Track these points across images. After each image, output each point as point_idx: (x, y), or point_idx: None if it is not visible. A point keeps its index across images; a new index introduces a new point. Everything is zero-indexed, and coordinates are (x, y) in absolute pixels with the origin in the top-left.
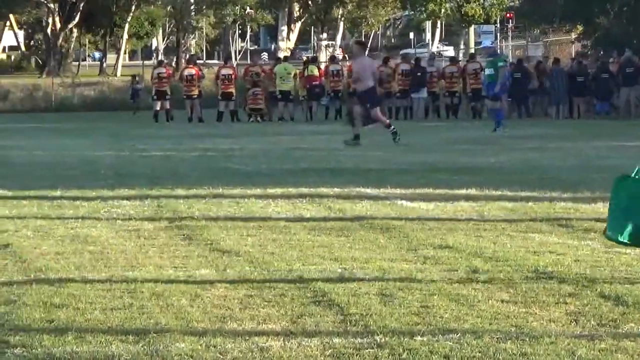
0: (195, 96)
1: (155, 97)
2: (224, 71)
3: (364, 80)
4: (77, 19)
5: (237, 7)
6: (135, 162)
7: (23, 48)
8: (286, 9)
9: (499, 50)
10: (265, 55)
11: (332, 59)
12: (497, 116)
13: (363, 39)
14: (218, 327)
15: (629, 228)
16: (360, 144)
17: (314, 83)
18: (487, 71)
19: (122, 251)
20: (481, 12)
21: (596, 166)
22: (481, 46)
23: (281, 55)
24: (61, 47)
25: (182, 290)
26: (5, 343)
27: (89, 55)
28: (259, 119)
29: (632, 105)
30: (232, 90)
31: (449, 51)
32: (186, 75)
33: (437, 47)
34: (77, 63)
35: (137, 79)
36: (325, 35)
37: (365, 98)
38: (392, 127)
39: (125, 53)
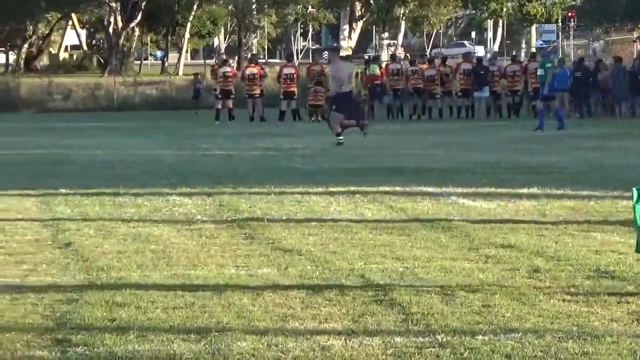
0: (257, 95)
1: (219, 95)
2: (286, 70)
3: (337, 84)
4: (138, 17)
5: (299, 6)
6: (197, 161)
7: (85, 47)
8: (348, 8)
9: (560, 50)
10: (327, 54)
11: (393, 58)
12: (556, 115)
13: (424, 38)
14: (279, 326)
15: None
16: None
17: (375, 82)
18: (538, 72)
19: (183, 250)
20: (543, 11)
21: None
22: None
23: (343, 54)
24: (123, 46)
25: (243, 289)
26: (67, 342)
27: (150, 54)
28: (319, 118)
29: None
30: (294, 89)
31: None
32: (248, 75)
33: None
34: (139, 62)
35: (199, 77)
36: (386, 34)
37: (334, 102)
38: (341, 137)
39: (187, 52)
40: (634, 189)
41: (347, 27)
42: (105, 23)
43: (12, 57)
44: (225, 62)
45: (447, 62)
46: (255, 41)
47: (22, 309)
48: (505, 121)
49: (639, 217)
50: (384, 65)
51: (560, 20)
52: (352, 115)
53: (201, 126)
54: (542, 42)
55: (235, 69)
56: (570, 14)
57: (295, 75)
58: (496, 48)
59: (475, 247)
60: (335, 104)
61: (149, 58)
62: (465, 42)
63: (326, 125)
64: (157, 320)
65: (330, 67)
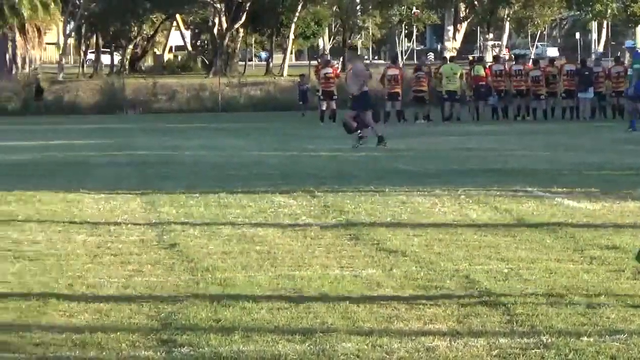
0: None
1: (321, 97)
2: (391, 71)
3: (353, 85)
4: (243, 18)
5: (403, 7)
6: (302, 162)
7: (190, 48)
8: (452, 9)
9: None
10: (431, 55)
11: (496, 59)
12: (633, 116)
13: (529, 39)
14: (384, 327)
15: None
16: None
17: (480, 83)
18: (628, 72)
19: (288, 251)
20: None
21: None
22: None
23: (447, 55)
24: (227, 47)
25: (348, 290)
26: (172, 342)
27: (255, 55)
28: (423, 120)
29: None
30: (399, 90)
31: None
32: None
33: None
34: (244, 63)
35: (304, 79)
36: (491, 35)
37: (356, 103)
38: (361, 135)
39: (291, 53)
40: None
41: (451, 28)
42: (210, 24)
43: (117, 58)
44: (327, 63)
45: (554, 63)
46: (359, 42)
47: (128, 310)
48: (610, 122)
49: None
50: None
51: None
52: (358, 119)
53: (306, 127)
54: (632, 43)
55: (339, 70)
56: None
57: (399, 77)
58: (601, 49)
59: (580, 249)
60: (356, 103)
61: (253, 59)
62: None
63: (429, 126)
64: (262, 320)
65: (352, 68)
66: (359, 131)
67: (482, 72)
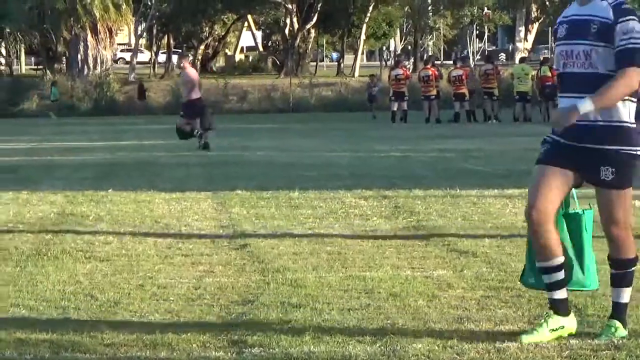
0: (433, 97)
1: (392, 97)
2: (455, 72)
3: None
4: (314, 19)
5: (474, 8)
6: (373, 162)
7: (261, 49)
8: (524, 10)
9: None
10: (503, 55)
11: None
12: None
13: None
14: (455, 327)
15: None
16: None
17: (546, 83)
18: None
19: (359, 251)
20: None
21: None
22: None
23: (519, 56)
24: (299, 48)
25: (419, 290)
26: (243, 343)
27: (326, 56)
28: (493, 120)
29: None
30: (464, 90)
31: None
32: (423, 76)
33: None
34: (315, 63)
35: (374, 79)
36: None
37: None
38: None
39: (362, 54)
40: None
41: (522, 28)
42: (281, 24)
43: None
44: (397, 64)
45: None
46: (430, 43)
47: (198, 310)
48: None
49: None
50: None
51: None
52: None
53: (377, 128)
54: None
55: (410, 70)
56: None
57: (463, 77)
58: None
59: None
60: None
61: (324, 60)
62: None
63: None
64: (333, 321)
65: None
66: (197, 131)
67: (549, 73)
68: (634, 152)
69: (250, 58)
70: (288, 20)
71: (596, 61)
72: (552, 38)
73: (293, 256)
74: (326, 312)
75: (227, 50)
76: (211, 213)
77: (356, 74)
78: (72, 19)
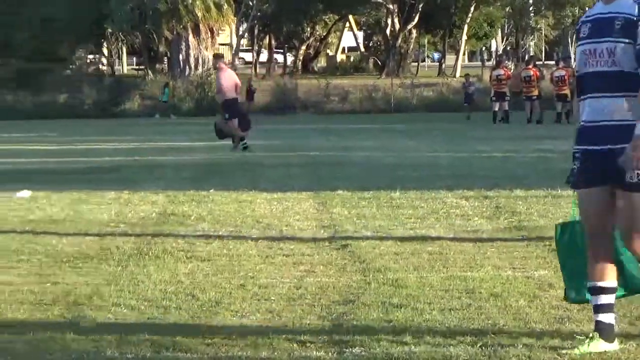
0: (535, 97)
1: (494, 98)
2: (557, 72)
3: (224, 92)
4: (416, 19)
5: (575, 8)
6: (474, 163)
7: (362, 49)
8: None
9: None
10: None
11: None
12: None
13: None
14: (556, 328)
15: None
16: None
17: None
18: None
19: (460, 251)
20: None
21: None
22: None
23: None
24: (400, 48)
25: (520, 291)
26: (344, 343)
27: (427, 56)
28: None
29: None
30: (567, 92)
31: None
32: (524, 77)
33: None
34: (416, 64)
35: (470, 79)
36: None
37: (225, 109)
38: (244, 141)
39: (464, 54)
40: (556, 225)
41: None
42: (383, 25)
43: (290, 58)
44: (499, 64)
45: None
46: (532, 43)
47: (299, 310)
48: None
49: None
50: None
51: None
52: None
53: (477, 128)
54: None
55: (511, 71)
56: None
57: (566, 77)
58: None
59: None
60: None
61: (426, 60)
62: None
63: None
64: (433, 321)
65: (217, 74)
66: (244, 140)
67: None
68: None
69: (352, 58)
70: (389, 21)
71: (621, 58)
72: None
73: (394, 256)
74: (427, 312)
75: (328, 51)
76: (312, 213)
77: (457, 74)
78: (173, 19)
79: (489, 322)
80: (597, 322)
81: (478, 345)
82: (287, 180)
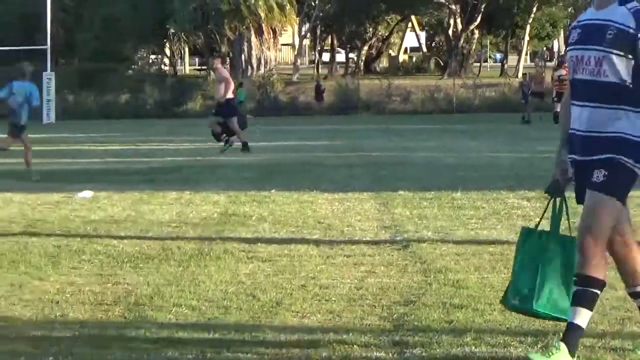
0: None
1: (555, 98)
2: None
3: (220, 91)
4: (478, 20)
5: None
6: (536, 163)
7: (424, 49)
8: None
9: None
10: None
11: None
12: None
13: None
14: (617, 329)
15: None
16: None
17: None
18: None
19: None
20: None
21: None
22: None
23: None
24: (462, 49)
25: None
26: (404, 343)
27: (490, 57)
28: None
29: None
30: None
31: None
32: None
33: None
34: (478, 64)
35: (527, 79)
36: None
37: (221, 109)
38: (246, 142)
39: (526, 54)
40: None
41: None
42: (445, 25)
43: (352, 58)
44: (561, 65)
45: None
46: None
47: (360, 311)
48: None
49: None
50: None
51: None
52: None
53: (538, 129)
54: None
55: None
56: None
57: None
58: None
59: None
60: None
61: (488, 60)
62: None
63: None
64: (494, 322)
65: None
66: (224, 135)
67: None
68: (633, 167)
69: (414, 59)
70: (452, 21)
71: (608, 69)
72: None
73: (455, 257)
74: (488, 313)
75: (390, 51)
76: (374, 214)
77: (519, 74)
78: (236, 19)
79: (550, 323)
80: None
81: (538, 346)
82: (348, 181)
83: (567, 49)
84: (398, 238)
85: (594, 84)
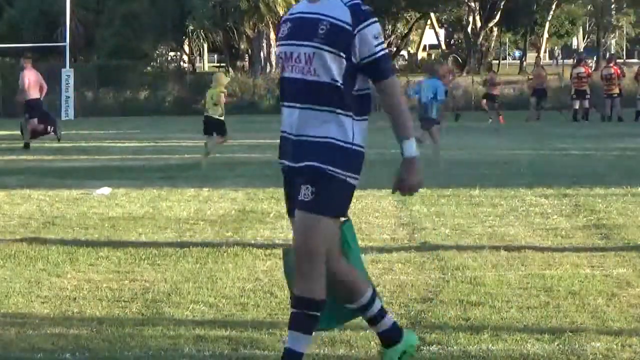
0: (616, 95)
1: (574, 96)
2: (605, 71)
3: (26, 91)
4: (497, 17)
5: None
6: (554, 161)
7: (443, 47)
8: None
9: None
10: None
11: None
12: None
13: None
14: (634, 327)
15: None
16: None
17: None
18: None
19: (538, 250)
20: None
21: None
22: None
23: None
24: (481, 46)
25: (598, 289)
26: (421, 340)
27: (508, 54)
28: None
29: None
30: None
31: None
32: (605, 75)
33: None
34: (497, 61)
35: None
36: None
37: (27, 108)
38: (29, 143)
39: (545, 52)
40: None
41: None
42: (464, 23)
43: None
44: (579, 62)
45: None
46: (613, 41)
47: None
48: None
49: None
50: None
51: None
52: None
53: (558, 126)
54: None
55: (592, 69)
56: None
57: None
58: None
59: None
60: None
61: (507, 58)
62: None
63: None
64: (511, 319)
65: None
66: (50, 128)
67: None
68: (344, 177)
69: (433, 56)
70: (471, 19)
71: (319, 68)
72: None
73: (472, 254)
74: (505, 310)
75: (409, 48)
76: (391, 211)
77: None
78: (255, 16)
79: (567, 320)
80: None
81: (556, 343)
82: (366, 178)
83: (277, 44)
84: (416, 235)
85: (304, 83)
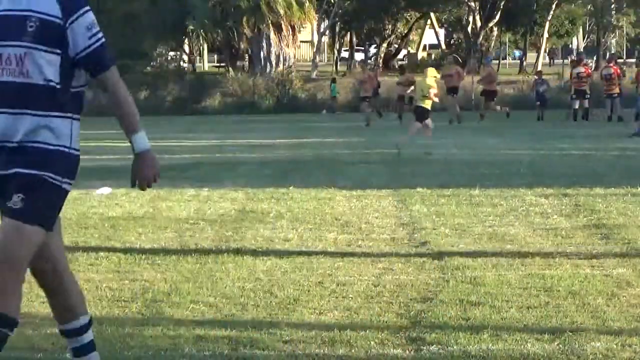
0: (616, 95)
1: (574, 95)
2: (605, 70)
3: None
4: (497, 17)
5: None
6: (554, 161)
7: (443, 46)
8: None
9: None
10: None
11: None
12: None
13: None
14: (634, 327)
15: None
16: None
17: None
18: None
19: (539, 249)
20: None
21: None
22: None
23: None
24: (481, 46)
25: (598, 289)
26: (421, 340)
27: (508, 54)
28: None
29: None
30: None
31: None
32: (605, 75)
33: None
34: (497, 61)
35: (541, 77)
36: None
37: None
38: None
39: (545, 52)
40: None
41: None
42: (464, 22)
43: (371, 55)
44: (579, 62)
45: None
46: (613, 41)
47: (377, 308)
48: None
49: None
50: None
51: None
52: None
53: (558, 126)
54: None
55: (592, 69)
56: None
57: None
58: None
59: None
60: None
61: (507, 57)
62: None
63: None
64: (511, 319)
65: None
66: None
67: None
68: (60, 183)
69: (433, 56)
70: (471, 18)
71: (31, 68)
72: None
73: (472, 254)
74: (505, 310)
75: (409, 48)
76: (391, 211)
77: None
78: (255, 16)
79: (567, 320)
80: None
81: (556, 343)
82: (366, 178)
83: None
84: (416, 235)
85: (15, 87)
